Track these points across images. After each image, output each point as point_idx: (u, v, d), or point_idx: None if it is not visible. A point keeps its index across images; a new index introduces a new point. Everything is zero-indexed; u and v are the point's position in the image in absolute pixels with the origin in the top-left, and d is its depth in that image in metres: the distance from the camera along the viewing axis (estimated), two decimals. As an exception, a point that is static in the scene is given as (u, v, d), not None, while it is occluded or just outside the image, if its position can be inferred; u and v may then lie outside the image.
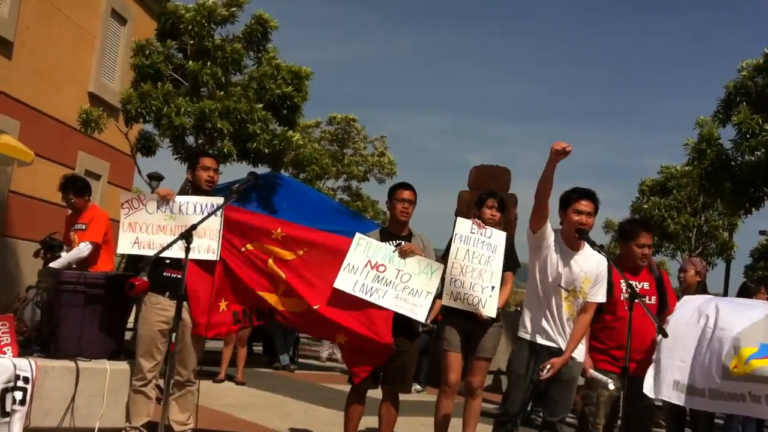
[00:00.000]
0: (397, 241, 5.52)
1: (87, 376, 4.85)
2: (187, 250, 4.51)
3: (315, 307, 5.20)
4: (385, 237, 5.57)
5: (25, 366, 4.62)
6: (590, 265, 4.88)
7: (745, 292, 7.73)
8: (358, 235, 5.42)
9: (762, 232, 24.26)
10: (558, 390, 4.91)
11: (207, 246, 4.98)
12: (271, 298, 5.27)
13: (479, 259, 5.60)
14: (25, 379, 4.58)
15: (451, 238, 5.65)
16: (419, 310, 5.30)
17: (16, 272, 11.28)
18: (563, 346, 4.87)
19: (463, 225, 5.69)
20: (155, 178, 16.29)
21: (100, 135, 11.18)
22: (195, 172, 5.25)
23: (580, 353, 4.98)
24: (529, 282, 5.01)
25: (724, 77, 12.52)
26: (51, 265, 6.42)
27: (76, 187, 7.04)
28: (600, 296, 4.97)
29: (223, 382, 9.10)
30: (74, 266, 6.64)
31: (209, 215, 4.87)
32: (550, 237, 4.89)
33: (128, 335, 6.10)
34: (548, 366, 4.77)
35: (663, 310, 5.33)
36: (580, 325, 4.91)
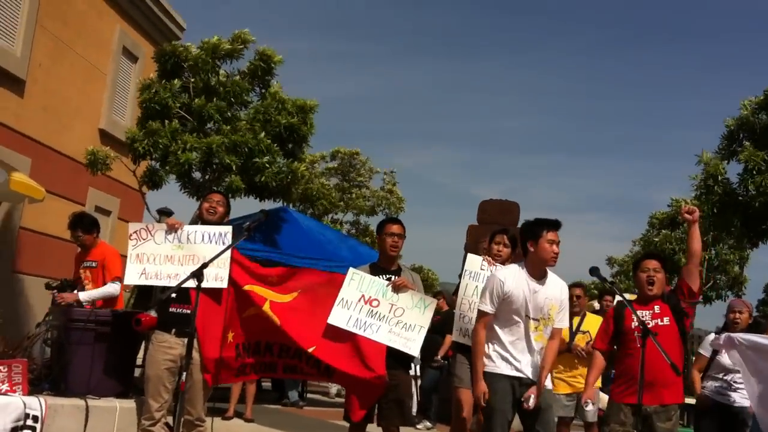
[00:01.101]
0: (388, 276, 5.53)
1: (96, 415, 4.86)
2: (198, 287, 4.52)
3: (309, 350, 5.21)
4: (375, 271, 5.56)
5: (35, 404, 4.63)
6: (554, 292, 4.96)
7: (756, 327, 7.70)
8: (351, 269, 5.45)
9: (772, 266, 24.12)
10: (541, 420, 4.86)
11: (216, 274, 4.98)
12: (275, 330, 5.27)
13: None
14: (35, 418, 4.59)
15: (461, 274, 5.68)
16: (412, 345, 5.31)
17: (25, 308, 11.29)
18: (534, 375, 4.84)
19: (473, 261, 5.73)
20: (164, 213, 16.34)
21: (111, 172, 11.26)
22: (201, 206, 5.39)
23: (548, 380, 5.02)
24: (496, 315, 4.93)
25: (726, 110, 12.61)
26: (80, 295, 6.41)
27: (84, 224, 7.07)
28: (564, 322, 5.05)
29: (231, 419, 9.04)
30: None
31: (225, 249, 4.89)
32: None
33: (137, 372, 6.09)
34: (531, 396, 4.74)
35: (683, 334, 5.31)
36: (551, 352, 4.93)
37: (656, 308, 5.28)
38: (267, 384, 12.71)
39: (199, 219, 5.54)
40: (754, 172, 11.23)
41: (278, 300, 5.25)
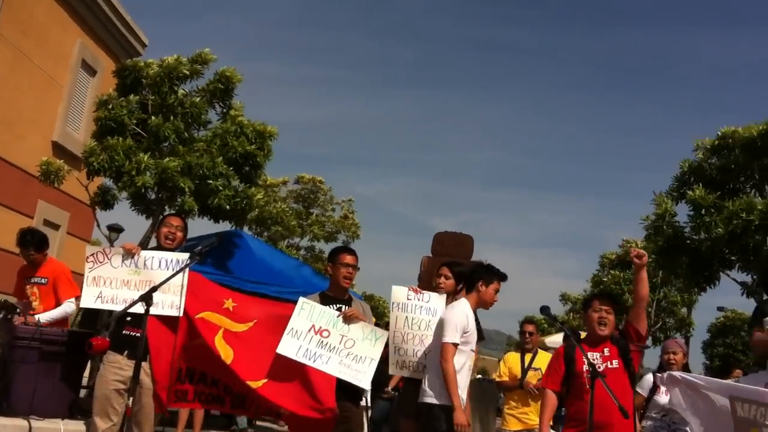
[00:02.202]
0: (338, 305, 5.46)
1: (39, 436, 4.71)
2: (146, 312, 4.45)
3: (257, 386, 5.08)
4: (325, 301, 5.46)
5: (-26, 424, 4.48)
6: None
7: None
8: (302, 299, 5.34)
9: (720, 308, 24.65)
10: None
11: (171, 302, 4.92)
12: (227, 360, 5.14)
13: (419, 324, 5.60)
14: (-26, 438, 4.45)
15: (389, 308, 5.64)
16: (363, 377, 5.23)
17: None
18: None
19: (399, 292, 5.68)
20: (114, 230, 16.11)
21: (62, 185, 11.05)
22: (159, 229, 5.28)
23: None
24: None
25: (683, 153, 12.93)
26: (39, 317, 6.20)
27: (35, 243, 6.88)
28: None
29: (177, 444, 8.85)
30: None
31: (174, 275, 4.82)
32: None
33: (83, 393, 5.94)
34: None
35: (632, 376, 5.36)
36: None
37: (606, 350, 5.28)
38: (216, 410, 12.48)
39: (157, 244, 5.40)
40: (703, 213, 11.46)
41: (233, 329, 5.14)
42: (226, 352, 5.09)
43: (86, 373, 5.61)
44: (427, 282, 6.34)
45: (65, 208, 13.64)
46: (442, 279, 5.91)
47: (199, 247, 5.13)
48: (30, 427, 4.68)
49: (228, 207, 10.23)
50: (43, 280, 6.79)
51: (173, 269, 4.92)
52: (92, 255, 5.05)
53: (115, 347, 4.88)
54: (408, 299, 5.66)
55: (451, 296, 5.85)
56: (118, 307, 4.88)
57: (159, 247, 5.25)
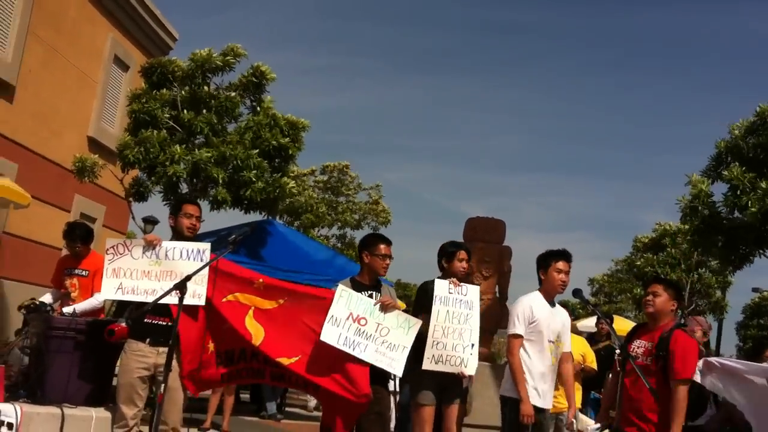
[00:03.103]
0: (370, 292, 5.57)
1: (72, 423, 4.84)
2: (181, 300, 4.54)
3: (289, 362, 5.23)
4: (357, 287, 5.56)
5: (11, 411, 4.61)
6: (564, 317, 5.58)
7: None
8: (340, 286, 5.42)
9: (755, 290, 24.26)
10: None
11: (193, 291, 4.95)
12: (256, 341, 5.26)
13: (458, 318, 5.64)
14: (9, 425, 4.58)
15: (431, 300, 5.60)
16: (396, 365, 5.33)
17: (7, 314, 11.24)
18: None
19: (442, 286, 5.68)
20: (150, 222, 16.31)
21: (97, 180, 11.25)
22: (177, 218, 5.29)
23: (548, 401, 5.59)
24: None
25: (715, 134, 12.72)
26: (65, 310, 6.37)
27: (82, 236, 7.06)
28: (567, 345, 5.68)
29: (208, 430, 9.00)
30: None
31: (205, 266, 4.89)
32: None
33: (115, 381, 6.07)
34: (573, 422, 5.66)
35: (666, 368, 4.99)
36: (570, 376, 5.61)
37: (647, 343, 5.02)
38: (245, 396, 12.66)
39: (174, 233, 5.40)
40: (739, 193, 11.29)
41: (263, 306, 5.25)
42: (256, 331, 5.23)
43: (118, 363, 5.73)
44: (440, 267, 6.37)
45: (101, 201, 13.88)
46: (465, 263, 5.95)
47: (233, 236, 5.21)
48: (63, 415, 4.79)
49: (260, 198, 10.34)
50: (84, 273, 6.98)
51: (194, 259, 5.00)
52: (112, 247, 5.13)
53: (136, 335, 4.95)
54: (449, 293, 5.69)
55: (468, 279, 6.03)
56: (139, 298, 4.95)
57: (177, 236, 5.28)
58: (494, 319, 10.88)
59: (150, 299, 4.77)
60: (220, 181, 9.98)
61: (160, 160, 10.00)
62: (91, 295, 6.84)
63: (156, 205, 11.72)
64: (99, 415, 5.00)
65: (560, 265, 5.50)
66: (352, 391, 5.18)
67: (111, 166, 11.10)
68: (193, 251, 5.07)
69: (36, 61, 11.86)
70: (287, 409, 12.60)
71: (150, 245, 5.09)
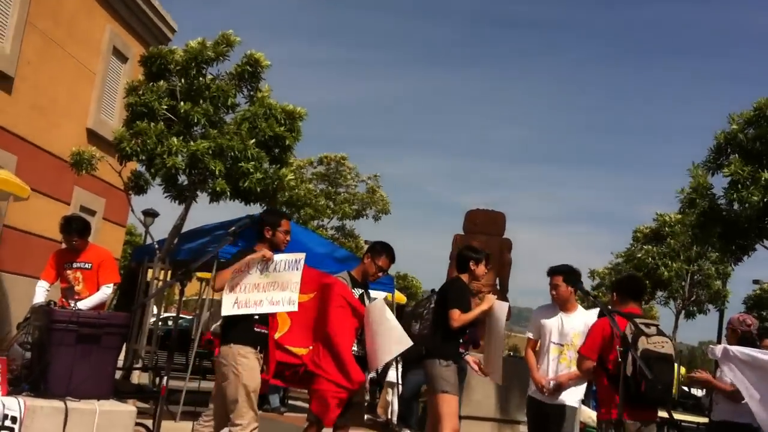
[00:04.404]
0: (361, 291, 6.05)
1: (76, 417, 4.82)
2: (181, 293, 4.63)
3: (301, 353, 5.66)
4: (353, 282, 6.08)
5: (14, 405, 4.59)
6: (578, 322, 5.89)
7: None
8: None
9: (755, 281, 24.31)
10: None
11: (288, 298, 5.28)
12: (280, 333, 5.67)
13: (499, 332, 6.25)
14: (13, 419, 4.56)
15: (458, 295, 6.14)
16: (294, 299, 5.37)
17: (8, 307, 11.22)
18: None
19: (502, 309, 6.14)
20: (149, 215, 16.32)
21: (97, 172, 11.21)
22: (275, 232, 5.47)
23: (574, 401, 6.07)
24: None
25: (716, 125, 12.72)
26: (79, 305, 6.38)
27: (78, 229, 7.08)
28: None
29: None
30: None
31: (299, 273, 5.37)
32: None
33: (118, 375, 6.07)
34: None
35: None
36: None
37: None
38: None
39: (270, 245, 5.51)
40: (740, 186, 11.31)
41: (300, 300, 5.52)
42: (283, 323, 5.66)
43: (121, 356, 5.73)
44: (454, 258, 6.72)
45: (101, 194, 13.85)
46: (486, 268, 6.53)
47: (233, 228, 5.32)
48: (66, 408, 4.77)
49: (259, 189, 10.30)
50: (87, 265, 6.99)
51: (293, 269, 5.33)
52: (239, 267, 5.27)
53: (249, 343, 5.23)
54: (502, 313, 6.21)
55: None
56: (250, 311, 5.25)
57: (272, 247, 5.46)
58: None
59: (258, 310, 5.20)
60: (218, 173, 9.93)
61: (158, 152, 9.95)
62: (98, 288, 6.86)
63: (156, 198, 11.70)
64: (103, 408, 4.98)
65: (551, 281, 6.02)
66: (350, 375, 5.55)
67: (110, 159, 11.05)
68: (292, 262, 5.35)
69: (34, 53, 11.80)
70: (290, 402, 12.63)
71: (264, 261, 5.31)
